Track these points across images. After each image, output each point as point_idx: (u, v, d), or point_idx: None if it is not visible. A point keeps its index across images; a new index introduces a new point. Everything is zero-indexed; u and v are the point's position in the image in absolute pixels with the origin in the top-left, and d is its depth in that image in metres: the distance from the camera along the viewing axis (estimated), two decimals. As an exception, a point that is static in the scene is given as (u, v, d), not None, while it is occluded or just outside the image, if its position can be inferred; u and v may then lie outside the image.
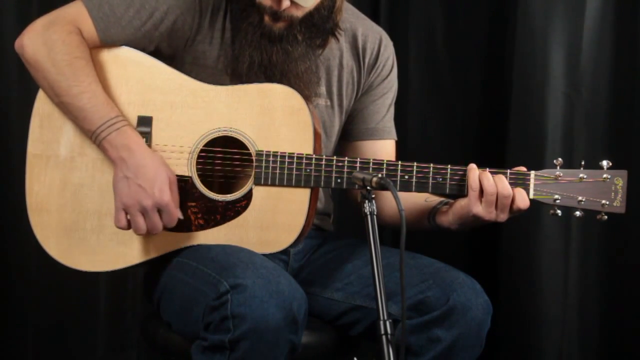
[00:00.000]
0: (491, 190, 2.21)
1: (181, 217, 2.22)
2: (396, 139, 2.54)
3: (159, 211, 2.20)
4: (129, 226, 2.21)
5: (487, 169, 2.26)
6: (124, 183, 2.19)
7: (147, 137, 2.26)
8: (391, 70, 2.50)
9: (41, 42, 2.24)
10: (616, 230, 3.20)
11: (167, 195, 2.19)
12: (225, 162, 2.29)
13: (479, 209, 2.23)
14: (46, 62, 2.23)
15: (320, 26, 2.32)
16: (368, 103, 2.49)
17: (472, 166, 2.25)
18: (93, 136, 2.22)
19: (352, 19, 2.46)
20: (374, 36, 2.47)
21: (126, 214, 2.20)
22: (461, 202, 2.27)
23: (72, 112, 2.23)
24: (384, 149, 2.50)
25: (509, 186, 2.22)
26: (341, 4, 2.34)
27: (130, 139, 2.21)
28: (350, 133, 2.51)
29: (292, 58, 2.29)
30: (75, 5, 2.29)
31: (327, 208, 2.54)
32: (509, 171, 2.26)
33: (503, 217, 2.25)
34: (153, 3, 2.28)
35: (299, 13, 2.27)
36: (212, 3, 2.33)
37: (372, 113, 2.49)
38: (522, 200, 2.23)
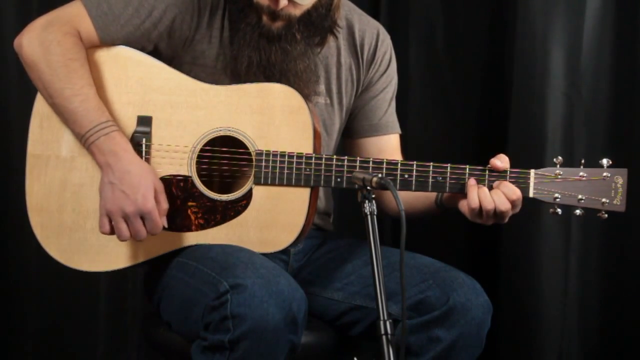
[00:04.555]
0: (489, 207, 2.22)
1: (165, 225, 2.21)
2: (400, 132, 2.54)
3: (143, 218, 2.19)
4: (112, 232, 2.21)
5: (488, 170, 2.26)
6: (108, 188, 2.19)
7: (147, 137, 2.26)
8: (389, 64, 2.50)
9: (38, 42, 2.24)
10: (616, 230, 3.20)
11: (151, 203, 2.18)
12: (225, 162, 2.29)
13: (478, 221, 2.26)
14: (41, 63, 2.23)
15: (318, 24, 2.32)
16: (369, 99, 2.49)
17: (472, 182, 2.25)
18: (82, 140, 2.22)
19: (349, 14, 2.46)
20: (371, 31, 2.47)
21: (110, 219, 2.20)
22: (462, 208, 2.27)
23: (63, 114, 2.24)
24: (388, 143, 2.51)
25: (506, 201, 2.22)
26: (339, 1, 2.34)
27: (118, 145, 2.21)
28: (354, 130, 2.51)
29: (291, 57, 2.29)
30: (75, 5, 2.29)
31: (328, 207, 2.54)
32: (509, 171, 2.26)
33: (503, 222, 2.25)
34: (151, 1, 2.28)
35: (296, 12, 2.27)
36: (211, 2, 2.33)
37: (373, 109, 2.49)
38: (518, 199, 2.23)
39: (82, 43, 2.26)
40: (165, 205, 2.22)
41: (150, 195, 2.19)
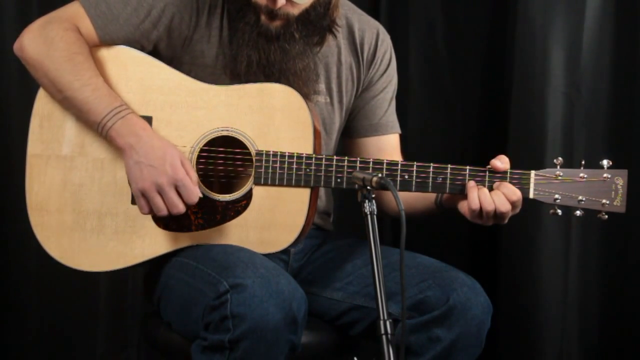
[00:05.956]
0: (490, 208, 2.21)
1: (200, 195, 2.21)
2: (400, 132, 2.54)
3: (176, 188, 2.19)
4: (152, 211, 2.21)
5: (488, 170, 2.26)
6: (136, 168, 2.19)
7: (147, 136, 2.27)
8: (389, 64, 2.50)
9: (39, 41, 2.24)
10: (616, 230, 3.20)
11: (181, 171, 2.19)
12: (226, 162, 2.29)
13: (478, 221, 2.26)
14: (45, 60, 2.23)
15: (317, 23, 2.32)
16: (369, 99, 2.49)
17: (472, 184, 2.25)
18: (99, 127, 2.22)
19: (349, 14, 2.46)
20: (371, 31, 2.48)
21: (146, 199, 2.20)
22: (462, 209, 2.27)
23: (76, 106, 2.24)
24: (388, 143, 2.51)
25: (506, 201, 2.22)
26: (337, 0, 2.34)
27: (137, 125, 2.21)
28: (354, 130, 2.51)
29: (290, 56, 2.30)
30: (73, 6, 2.30)
31: (328, 207, 2.54)
32: (509, 172, 2.25)
33: (503, 222, 2.25)
34: (150, 1, 2.28)
35: (295, 11, 2.27)
36: (209, 2, 2.33)
37: (374, 108, 2.50)
38: (519, 200, 2.23)
39: (83, 38, 2.26)
40: (194, 174, 2.21)
41: (179, 164, 2.19)
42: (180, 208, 2.19)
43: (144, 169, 2.19)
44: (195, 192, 2.20)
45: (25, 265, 3.20)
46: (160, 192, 2.19)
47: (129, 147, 2.20)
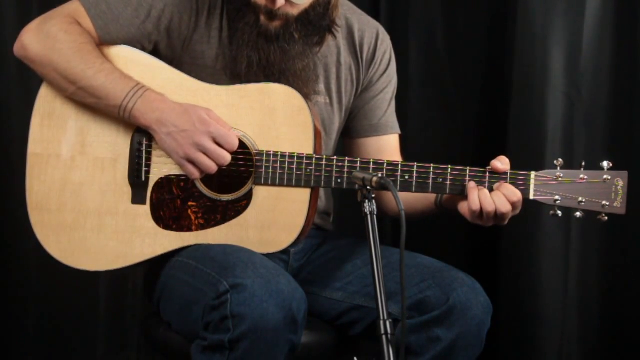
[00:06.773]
0: (490, 209, 2.21)
1: (238, 135, 2.23)
2: (400, 132, 2.54)
3: (214, 141, 2.20)
4: (202, 172, 2.22)
5: (488, 171, 2.25)
6: (170, 140, 2.21)
7: (147, 136, 2.27)
8: (389, 64, 2.50)
9: (42, 36, 2.24)
10: (616, 231, 3.20)
11: (211, 123, 2.20)
12: (226, 162, 2.29)
13: (478, 222, 2.26)
14: (53, 54, 2.23)
15: (316, 24, 2.32)
16: (369, 99, 2.49)
17: (472, 185, 2.25)
18: (120, 110, 2.22)
19: (348, 14, 2.46)
20: (371, 31, 2.48)
21: (192, 163, 2.21)
22: (462, 210, 2.27)
23: (93, 94, 2.23)
24: (388, 144, 2.51)
25: (507, 202, 2.21)
26: (337, 0, 2.34)
27: (156, 100, 2.22)
28: (354, 130, 2.51)
29: (290, 56, 2.30)
30: (72, 4, 2.29)
31: (328, 207, 2.54)
32: (509, 173, 2.25)
33: (503, 223, 2.25)
34: (150, 1, 2.28)
35: (294, 11, 2.27)
36: (209, 2, 2.33)
37: (374, 109, 2.50)
38: (519, 201, 2.23)
39: (87, 32, 2.26)
40: (222, 121, 2.22)
41: (206, 117, 2.20)
42: (227, 157, 2.21)
43: (177, 136, 2.20)
44: (232, 136, 2.21)
45: (25, 265, 3.20)
46: (203, 150, 2.19)
47: (155, 123, 2.21)
